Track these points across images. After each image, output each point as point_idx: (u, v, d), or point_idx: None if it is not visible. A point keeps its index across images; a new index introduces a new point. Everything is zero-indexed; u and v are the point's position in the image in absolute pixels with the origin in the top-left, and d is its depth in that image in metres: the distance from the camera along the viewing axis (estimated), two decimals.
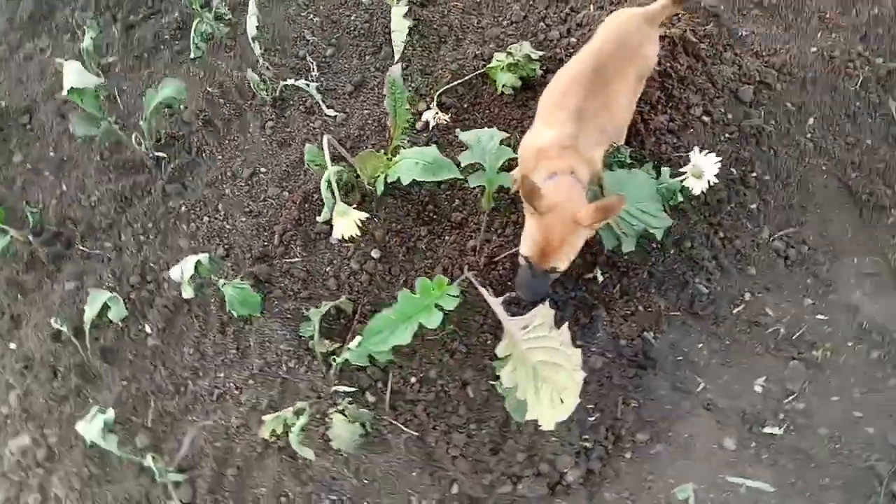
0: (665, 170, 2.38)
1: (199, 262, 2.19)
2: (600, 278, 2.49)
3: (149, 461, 2.13)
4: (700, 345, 2.45)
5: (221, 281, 2.25)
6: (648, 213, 2.22)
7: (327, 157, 1.94)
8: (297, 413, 2.22)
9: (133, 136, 2.62)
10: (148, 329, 2.47)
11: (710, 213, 2.60)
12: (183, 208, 2.65)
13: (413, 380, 2.35)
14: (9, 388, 2.43)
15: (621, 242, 2.20)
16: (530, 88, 2.74)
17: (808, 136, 2.76)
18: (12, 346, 2.50)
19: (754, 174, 2.67)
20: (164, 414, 2.36)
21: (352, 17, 3.03)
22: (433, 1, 3.05)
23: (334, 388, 2.31)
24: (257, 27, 2.63)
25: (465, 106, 2.78)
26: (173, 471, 2.23)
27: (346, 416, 2.19)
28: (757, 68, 2.78)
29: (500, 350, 2.05)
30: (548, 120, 2.23)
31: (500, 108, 2.75)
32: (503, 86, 2.67)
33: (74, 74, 2.33)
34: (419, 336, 2.36)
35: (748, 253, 2.58)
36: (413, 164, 2.21)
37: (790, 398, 2.34)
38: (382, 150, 2.53)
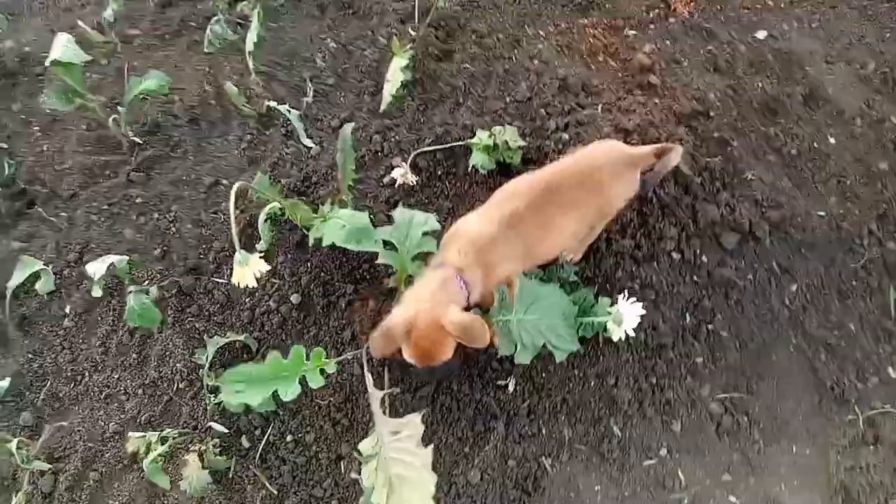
0: (605, 300, 2.25)
1: (112, 264, 2.22)
2: (511, 388, 2.37)
3: (13, 445, 2.19)
4: (597, 487, 2.30)
5: (130, 287, 2.28)
6: (555, 332, 2.11)
7: (231, 207, 1.91)
8: (162, 440, 2.24)
9: (112, 118, 2.67)
10: (68, 309, 2.53)
11: (648, 354, 2.42)
12: (139, 199, 2.69)
13: (290, 438, 2.32)
14: None
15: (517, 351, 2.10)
16: (507, 173, 2.63)
17: (787, 303, 2.52)
18: None
19: (711, 326, 2.47)
20: (54, 398, 2.42)
21: (365, 52, 2.99)
22: (449, 58, 2.96)
23: (210, 423, 2.30)
24: (255, 43, 2.63)
25: (439, 173, 2.69)
26: (41, 459, 2.28)
27: (202, 459, 2.18)
28: (751, 217, 2.55)
29: (365, 446, 1.98)
30: (484, 212, 2.13)
31: (471, 185, 2.66)
32: (474, 165, 2.57)
33: (62, 47, 2.38)
34: (308, 396, 2.34)
35: (678, 407, 2.39)
36: (339, 227, 2.15)
37: None
38: (329, 200, 2.50)
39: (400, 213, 2.21)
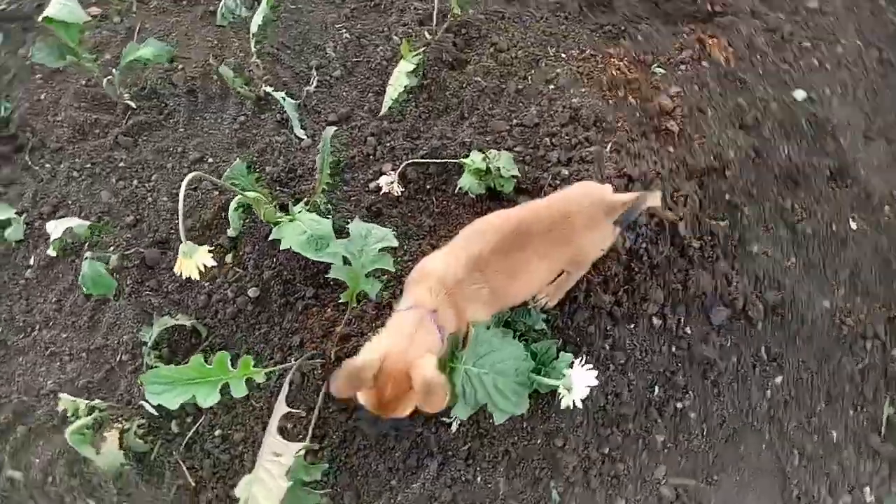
0: (566, 356, 2.10)
1: (70, 228, 2.18)
2: (454, 429, 2.25)
3: None
4: None
5: (87, 253, 2.23)
6: (501, 392, 1.95)
7: (181, 199, 1.82)
8: (90, 410, 2.19)
9: (106, 79, 2.62)
10: (32, 261, 2.50)
11: (604, 422, 2.26)
12: (122, 163, 2.64)
13: (218, 433, 2.25)
14: None
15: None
16: (497, 198, 2.49)
17: (768, 394, 2.32)
18: None
19: (680, 404, 2.29)
20: (1, 344, 2.41)
21: (378, 48, 2.87)
22: (462, 67, 2.81)
23: (142, 402, 2.25)
24: (262, 25, 2.53)
25: (427, 187, 2.56)
26: None
27: (122, 439, 2.12)
28: (747, 294, 2.35)
29: (259, 458, 1.90)
30: (450, 251, 2.00)
31: (457, 205, 2.52)
32: (461, 188, 2.43)
33: (58, 4, 2.33)
34: (246, 395, 2.26)
35: (626, 484, 2.23)
36: (299, 232, 2.05)
37: None
38: (306, 199, 2.41)
39: (356, 226, 2.08)
